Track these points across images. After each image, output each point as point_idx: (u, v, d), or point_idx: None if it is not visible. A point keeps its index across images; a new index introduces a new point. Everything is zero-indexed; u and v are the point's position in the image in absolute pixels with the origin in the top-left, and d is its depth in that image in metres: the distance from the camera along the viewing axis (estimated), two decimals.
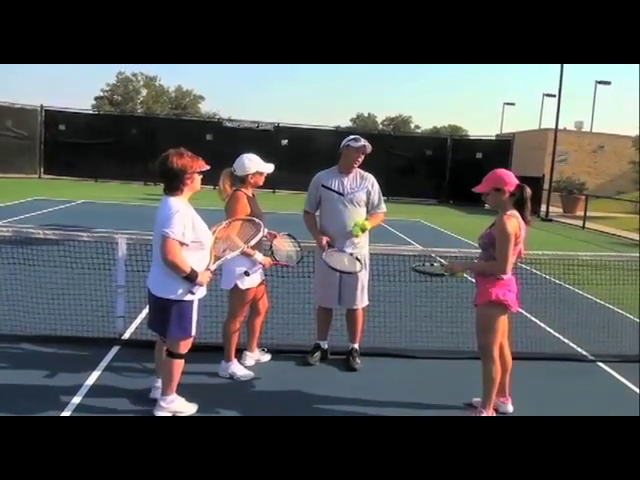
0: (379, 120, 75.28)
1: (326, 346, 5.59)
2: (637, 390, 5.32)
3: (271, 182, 5.45)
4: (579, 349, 6.25)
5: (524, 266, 7.05)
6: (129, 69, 59.56)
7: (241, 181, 4.94)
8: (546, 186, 23.49)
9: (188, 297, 4.05)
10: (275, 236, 5.16)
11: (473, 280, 4.60)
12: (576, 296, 8.26)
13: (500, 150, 27.61)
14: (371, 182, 5.35)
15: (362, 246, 5.32)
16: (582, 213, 21.11)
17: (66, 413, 4.18)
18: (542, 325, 6.98)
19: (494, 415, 4.38)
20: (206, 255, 4.18)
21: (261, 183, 5.03)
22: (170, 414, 4.23)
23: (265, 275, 5.27)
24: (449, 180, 28.10)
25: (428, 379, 5.30)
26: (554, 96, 26.41)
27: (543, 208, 22.80)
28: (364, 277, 5.35)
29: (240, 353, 5.23)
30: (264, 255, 4.99)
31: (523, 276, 6.60)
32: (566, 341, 6.51)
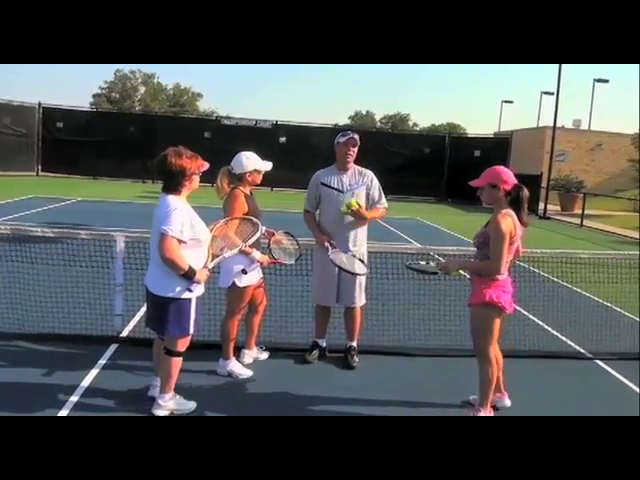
0: (377, 118, 75.37)
1: (324, 344, 5.60)
2: (635, 388, 5.33)
3: (269, 180, 5.45)
4: (577, 347, 6.27)
5: (522, 264, 7.05)
6: (127, 66, 59.56)
7: (239, 179, 4.94)
8: (544, 184, 23.52)
9: (186, 295, 4.05)
10: (273, 234, 5.16)
11: (469, 277, 4.59)
12: (574, 294, 8.27)
13: (498, 148, 27.66)
14: (370, 178, 5.36)
15: (361, 244, 5.32)
16: (580, 211, 21.14)
17: (64, 411, 4.18)
18: (540, 323, 6.99)
19: (491, 415, 4.38)
20: (204, 253, 4.18)
21: (259, 181, 5.03)
22: (168, 412, 4.24)
23: (263, 273, 5.27)
24: (447, 178, 28.11)
25: (426, 377, 5.31)
26: (552, 94, 26.53)
27: (541, 206, 22.81)
28: (362, 275, 5.35)
29: (238, 351, 5.23)
30: (262, 253, 4.99)
31: (521, 274, 6.60)
32: (564, 339, 6.52)
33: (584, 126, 38.98)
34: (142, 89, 62.21)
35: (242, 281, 4.86)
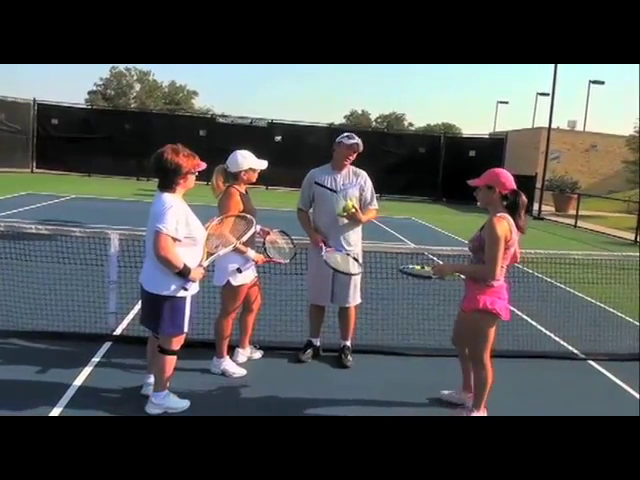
0: (373, 117, 75.37)
1: (318, 343, 5.60)
2: (628, 389, 5.35)
3: (264, 179, 5.45)
4: (570, 347, 6.29)
5: (515, 264, 7.07)
6: (122, 64, 59.34)
7: (234, 177, 4.93)
8: (539, 185, 23.57)
9: (181, 293, 4.05)
10: (268, 233, 5.16)
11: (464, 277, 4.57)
12: (567, 295, 8.30)
13: (493, 148, 27.74)
14: (364, 179, 5.36)
15: (355, 244, 5.32)
16: (574, 212, 21.20)
17: (57, 409, 4.17)
18: (533, 323, 7.01)
19: (485, 415, 4.38)
20: (199, 251, 4.17)
21: (254, 180, 5.02)
22: (162, 411, 4.23)
23: (258, 272, 5.27)
24: (442, 178, 28.13)
25: (420, 376, 5.32)
26: (548, 95, 26.53)
27: (535, 207, 22.86)
28: (357, 275, 5.35)
29: (232, 350, 5.23)
30: (257, 252, 4.99)
31: (515, 274, 6.62)
32: (557, 339, 6.54)
33: (579, 127, 39.15)
34: (137, 86, 62.09)
35: (237, 280, 4.86)
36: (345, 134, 5.29)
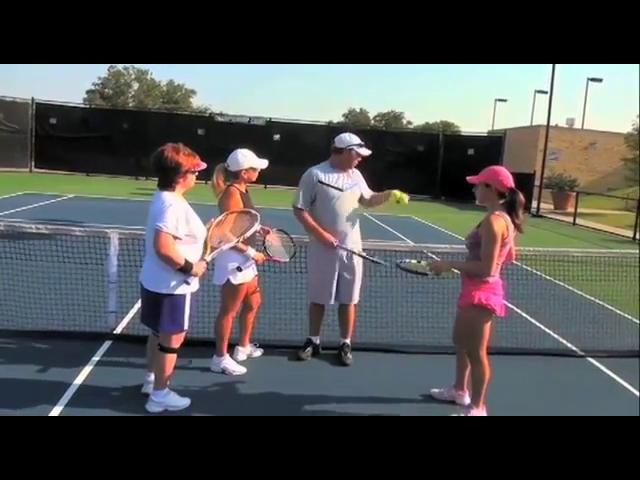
0: (371, 116, 75.35)
1: (318, 341, 5.61)
2: (628, 386, 5.37)
3: (263, 177, 5.44)
4: (569, 344, 6.30)
5: (514, 262, 7.08)
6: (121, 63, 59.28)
7: (234, 176, 4.93)
8: (537, 182, 23.59)
9: (181, 291, 4.06)
10: (268, 231, 5.17)
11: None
12: (566, 292, 8.31)
13: (492, 146, 27.72)
14: (359, 176, 5.47)
15: (357, 242, 5.39)
16: (573, 210, 21.23)
17: (58, 408, 4.17)
18: (532, 321, 7.03)
19: (484, 413, 4.38)
20: (200, 248, 4.18)
21: (254, 179, 5.02)
22: (162, 409, 4.24)
23: (258, 270, 5.28)
24: (441, 176, 28.13)
25: (419, 374, 5.32)
26: (546, 93, 26.53)
27: (534, 204, 22.89)
28: (361, 273, 5.41)
29: (232, 348, 5.24)
30: (257, 250, 5.00)
31: (514, 272, 6.64)
32: (556, 337, 6.55)
33: (577, 125, 39.10)
34: (135, 85, 62.08)
35: (237, 278, 4.86)
36: (358, 141, 5.29)
